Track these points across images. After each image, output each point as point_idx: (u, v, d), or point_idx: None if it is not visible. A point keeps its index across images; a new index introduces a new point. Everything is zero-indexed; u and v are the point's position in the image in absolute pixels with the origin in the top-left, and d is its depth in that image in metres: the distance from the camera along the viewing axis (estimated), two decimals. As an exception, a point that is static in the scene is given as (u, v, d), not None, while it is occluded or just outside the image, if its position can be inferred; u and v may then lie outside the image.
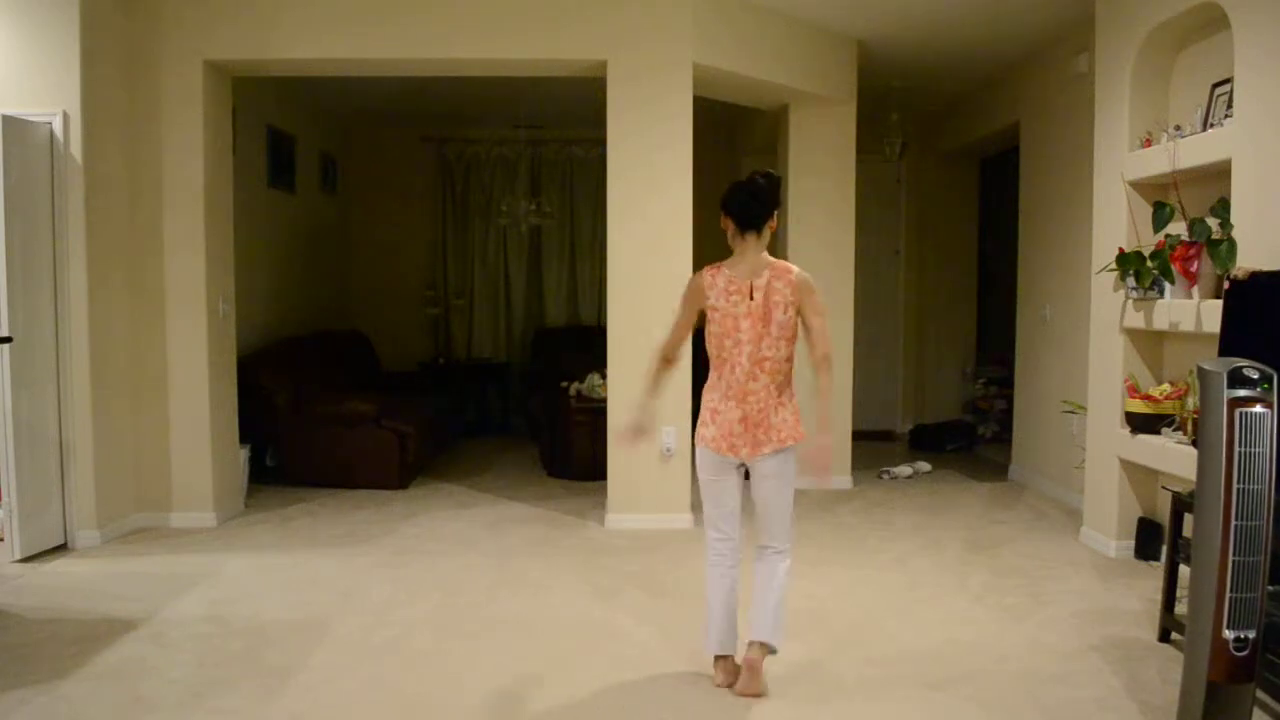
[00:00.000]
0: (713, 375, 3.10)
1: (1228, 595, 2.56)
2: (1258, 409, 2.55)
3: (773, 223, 3.06)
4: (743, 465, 3.07)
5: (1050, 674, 3.18)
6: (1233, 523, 2.55)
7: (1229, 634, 2.56)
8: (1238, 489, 2.55)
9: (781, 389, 3.04)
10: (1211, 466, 2.61)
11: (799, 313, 3.02)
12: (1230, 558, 2.56)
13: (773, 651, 3.07)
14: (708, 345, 3.10)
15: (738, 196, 3.04)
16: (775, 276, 3.01)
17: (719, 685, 3.09)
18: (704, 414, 3.11)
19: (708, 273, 3.08)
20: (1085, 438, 4.87)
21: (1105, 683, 3.11)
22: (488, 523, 5.22)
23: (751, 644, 3.05)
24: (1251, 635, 2.56)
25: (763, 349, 3.00)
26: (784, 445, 3.02)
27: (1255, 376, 2.58)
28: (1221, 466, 2.57)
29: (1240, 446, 2.55)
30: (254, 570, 4.32)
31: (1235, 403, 2.56)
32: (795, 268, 3.05)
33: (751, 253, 3.04)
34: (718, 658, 3.12)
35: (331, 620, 3.67)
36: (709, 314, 3.07)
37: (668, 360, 3.19)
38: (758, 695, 3.02)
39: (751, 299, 3.01)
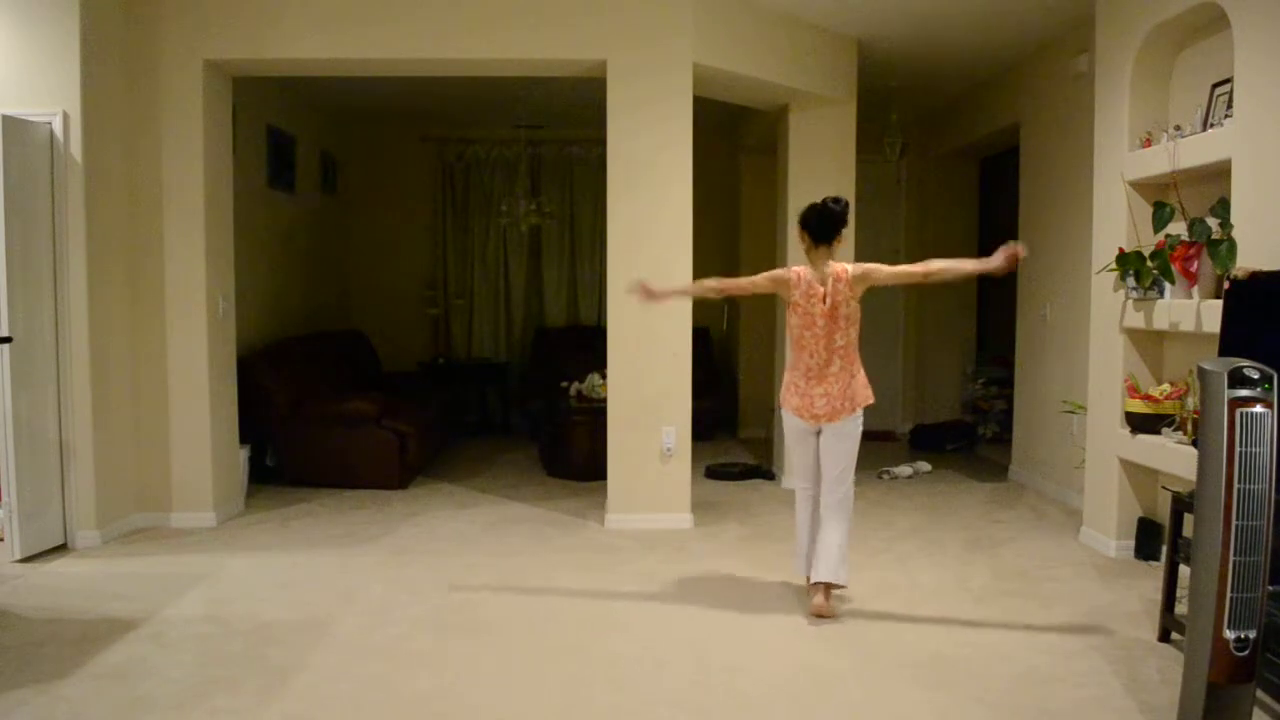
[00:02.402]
0: (793, 356, 3.85)
1: (1228, 595, 2.56)
2: (1258, 409, 2.56)
3: (840, 239, 3.76)
4: (820, 430, 3.83)
5: (1050, 674, 3.19)
6: (1233, 523, 2.55)
7: (1230, 634, 2.56)
8: (1238, 489, 2.55)
9: (853, 364, 3.83)
10: (1212, 466, 2.61)
11: (866, 292, 3.79)
12: (1231, 558, 2.56)
13: (840, 586, 3.83)
14: (789, 332, 3.85)
15: (814, 217, 3.74)
16: (836, 280, 3.72)
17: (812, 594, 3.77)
18: (789, 387, 3.88)
19: (794, 271, 3.77)
20: (1085, 438, 4.87)
21: (1105, 683, 3.11)
22: (488, 523, 5.22)
23: (817, 585, 3.75)
24: (1252, 635, 2.56)
25: (836, 340, 3.75)
26: (855, 410, 3.83)
27: (1256, 376, 2.58)
28: (1222, 466, 2.58)
29: (1241, 446, 2.55)
30: (254, 570, 4.32)
31: (1236, 403, 2.57)
32: (847, 266, 3.74)
33: (821, 261, 3.75)
34: (810, 581, 3.82)
35: (331, 620, 3.67)
36: (791, 307, 3.77)
37: (715, 292, 3.93)
38: (834, 617, 3.72)
39: (824, 302, 3.72)
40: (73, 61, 4.49)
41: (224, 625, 3.60)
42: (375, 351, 8.05)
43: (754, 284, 3.88)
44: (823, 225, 3.72)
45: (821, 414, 3.79)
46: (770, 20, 5.44)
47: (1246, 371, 2.58)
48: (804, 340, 3.77)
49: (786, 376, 3.91)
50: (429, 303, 8.55)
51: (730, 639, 3.52)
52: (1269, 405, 2.56)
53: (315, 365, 6.57)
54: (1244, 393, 2.57)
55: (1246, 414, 2.56)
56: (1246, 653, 2.56)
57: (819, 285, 3.72)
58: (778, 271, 3.86)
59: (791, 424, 3.91)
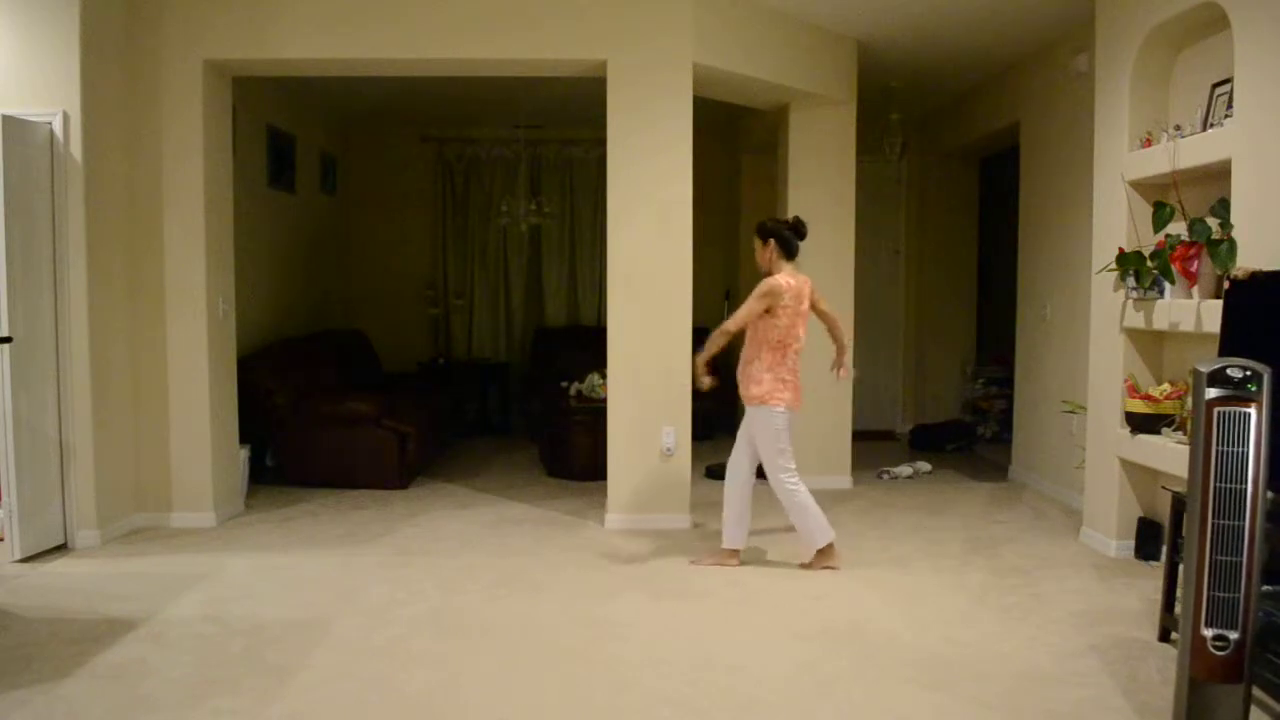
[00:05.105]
0: (777, 356, 4.23)
1: (1205, 593, 2.58)
2: (1236, 409, 2.57)
3: None
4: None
5: (1050, 674, 3.19)
6: (1210, 521, 2.57)
7: (1207, 632, 2.57)
8: (1215, 488, 2.57)
9: None
10: (1194, 466, 2.64)
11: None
12: (1208, 556, 2.57)
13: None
14: (772, 334, 4.21)
15: (793, 238, 4.31)
16: (810, 287, 4.34)
17: (837, 567, 4.35)
18: (777, 384, 4.23)
19: (783, 279, 4.21)
20: (1085, 438, 4.87)
21: (1104, 683, 3.11)
22: (488, 523, 5.22)
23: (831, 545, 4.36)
24: (1233, 636, 2.55)
25: (803, 339, 4.30)
26: None
27: (1238, 376, 2.59)
28: (1199, 466, 2.60)
29: (1219, 446, 2.57)
30: (254, 570, 4.32)
31: (1214, 403, 2.58)
32: (806, 277, 4.35)
33: (793, 269, 4.29)
34: (830, 546, 4.34)
35: (331, 620, 3.67)
36: (780, 311, 4.18)
37: (729, 335, 4.21)
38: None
39: (802, 305, 4.25)
40: (73, 61, 4.49)
41: (224, 625, 3.60)
42: (375, 351, 8.05)
43: (751, 311, 4.21)
44: (797, 244, 4.33)
45: (799, 402, 4.32)
46: (770, 20, 5.44)
47: (1229, 372, 2.59)
48: (788, 340, 4.23)
49: (774, 374, 4.24)
50: (429, 303, 8.56)
51: (730, 639, 3.52)
52: (1255, 405, 2.56)
53: (315, 365, 6.57)
54: (1221, 392, 2.59)
55: (1224, 414, 2.57)
56: (1226, 652, 2.56)
57: (799, 289, 4.24)
58: (767, 286, 4.20)
59: (787, 417, 4.28)
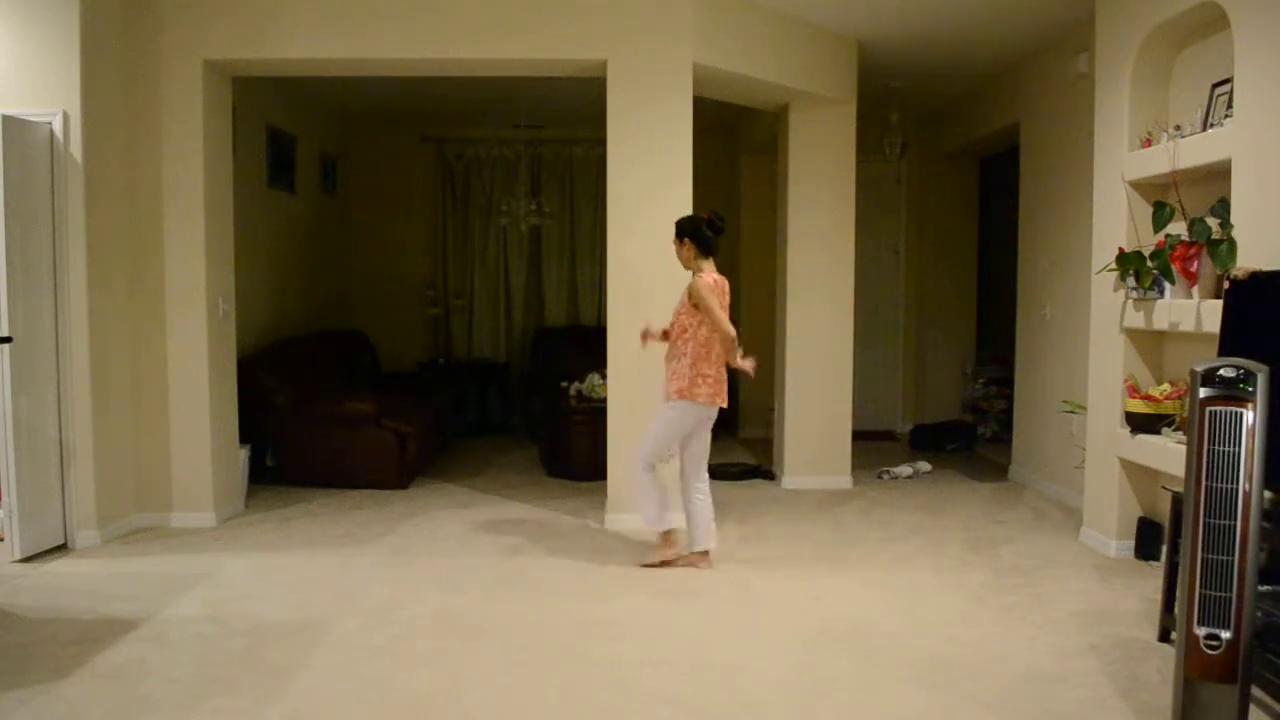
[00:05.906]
0: (701, 353, 4.22)
1: (1197, 592, 2.58)
2: (1230, 408, 2.57)
3: None
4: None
5: (1050, 674, 3.19)
6: (1201, 520, 2.58)
7: (1199, 631, 2.58)
8: (1208, 487, 2.57)
9: None
10: (1188, 465, 2.65)
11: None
12: (1199, 555, 2.58)
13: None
14: (700, 332, 4.20)
15: (710, 234, 4.30)
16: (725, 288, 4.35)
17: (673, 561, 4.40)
18: (708, 379, 4.22)
19: (710, 278, 4.22)
20: (1085, 438, 4.87)
21: (1104, 683, 3.11)
22: (488, 523, 5.22)
23: (706, 552, 4.41)
24: (1226, 635, 2.56)
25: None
26: None
27: (1230, 376, 2.59)
28: (1193, 465, 2.61)
29: (1210, 445, 2.58)
30: (254, 570, 4.32)
31: (1207, 402, 2.59)
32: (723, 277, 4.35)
33: (713, 266, 4.31)
34: (670, 533, 4.41)
35: (331, 620, 3.67)
36: (721, 308, 4.19)
37: (735, 339, 4.23)
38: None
39: (724, 302, 4.26)
40: (73, 61, 4.49)
41: (224, 625, 3.60)
42: (375, 351, 8.06)
43: (724, 308, 4.24)
44: (714, 241, 4.31)
45: (720, 397, 4.28)
46: (770, 20, 5.44)
47: (1222, 372, 2.60)
48: (714, 338, 4.23)
49: (697, 369, 4.22)
50: (429, 303, 8.55)
51: (730, 639, 3.52)
52: (1248, 405, 2.56)
53: (315, 365, 6.57)
54: (1212, 392, 2.59)
55: (1217, 413, 2.58)
56: (1218, 651, 2.56)
57: (723, 286, 4.28)
58: (720, 284, 4.25)
59: (708, 413, 4.29)
